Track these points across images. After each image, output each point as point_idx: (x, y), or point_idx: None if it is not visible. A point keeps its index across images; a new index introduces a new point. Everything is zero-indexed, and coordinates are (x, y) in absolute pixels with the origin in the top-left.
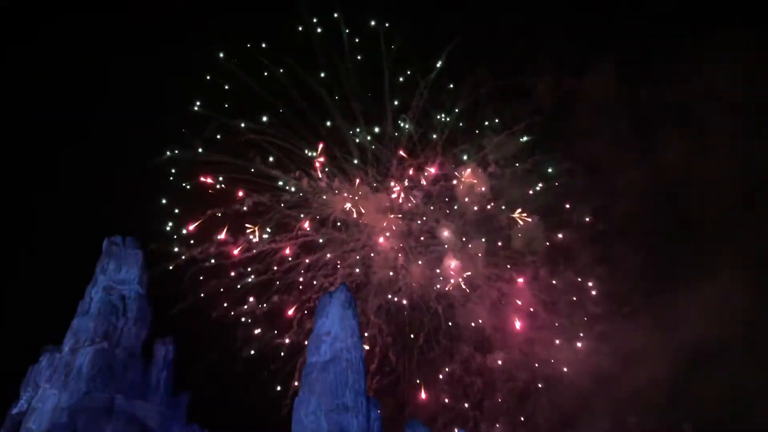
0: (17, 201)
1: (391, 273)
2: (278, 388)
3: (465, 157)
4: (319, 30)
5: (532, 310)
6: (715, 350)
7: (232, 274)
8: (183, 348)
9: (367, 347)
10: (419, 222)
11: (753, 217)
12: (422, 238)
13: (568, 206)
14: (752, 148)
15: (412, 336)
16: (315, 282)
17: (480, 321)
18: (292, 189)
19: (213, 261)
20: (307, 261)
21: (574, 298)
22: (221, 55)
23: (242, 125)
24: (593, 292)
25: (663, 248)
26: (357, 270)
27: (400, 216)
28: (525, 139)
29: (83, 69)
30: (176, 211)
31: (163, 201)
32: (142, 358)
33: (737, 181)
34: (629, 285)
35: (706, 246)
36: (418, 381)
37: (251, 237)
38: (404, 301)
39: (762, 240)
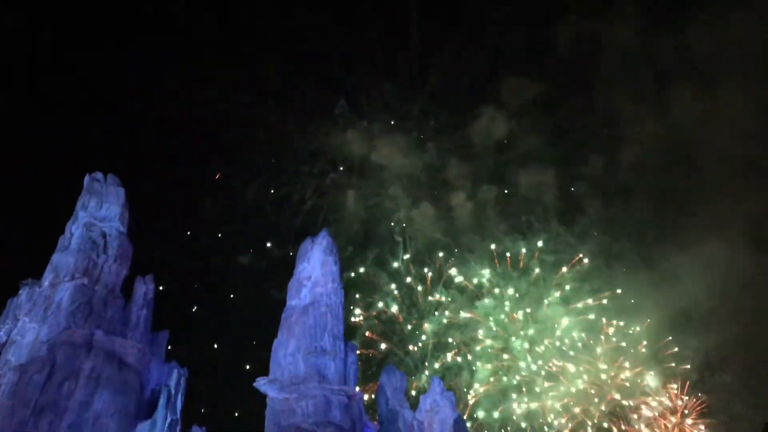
0: (3, 134)
1: (394, 225)
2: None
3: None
4: None
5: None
6: (703, 310)
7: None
8: (170, 290)
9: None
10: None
11: (759, 177)
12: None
13: (581, 157)
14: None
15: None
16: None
17: (477, 275)
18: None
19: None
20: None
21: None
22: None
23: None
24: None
25: (667, 204)
26: (365, 216)
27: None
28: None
29: None
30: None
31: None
32: (122, 296)
33: (748, 141)
34: (629, 241)
35: (708, 204)
36: (409, 327)
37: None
38: (409, 248)
39: (764, 200)
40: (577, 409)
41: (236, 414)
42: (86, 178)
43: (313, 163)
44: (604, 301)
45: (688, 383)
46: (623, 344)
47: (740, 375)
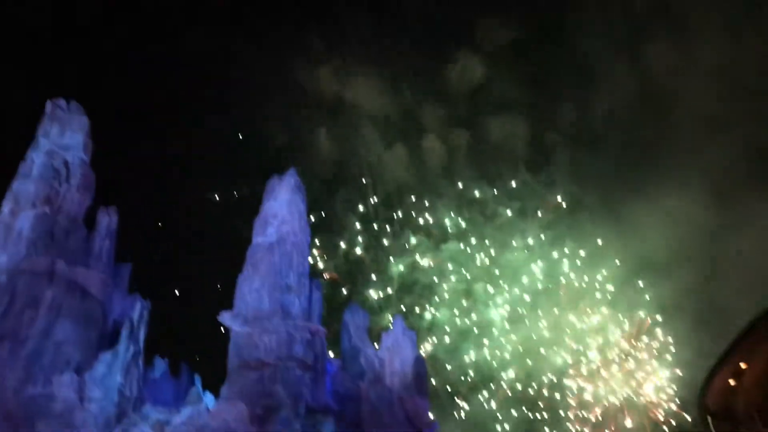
0: None
1: (364, 166)
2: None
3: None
4: None
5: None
6: (661, 260)
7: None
8: (134, 222)
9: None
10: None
11: (724, 132)
12: None
13: (554, 106)
14: (740, 63)
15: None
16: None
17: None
18: None
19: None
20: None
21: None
22: None
23: None
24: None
25: (635, 156)
26: (335, 156)
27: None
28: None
29: None
30: None
31: None
32: (84, 227)
33: (718, 96)
34: (596, 192)
35: (674, 157)
36: (373, 277)
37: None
38: (378, 190)
39: (730, 156)
40: (529, 361)
41: (199, 347)
42: (48, 105)
43: (285, 99)
44: (579, 253)
45: (646, 325)
46: (591, 292)
47: (690, 323)
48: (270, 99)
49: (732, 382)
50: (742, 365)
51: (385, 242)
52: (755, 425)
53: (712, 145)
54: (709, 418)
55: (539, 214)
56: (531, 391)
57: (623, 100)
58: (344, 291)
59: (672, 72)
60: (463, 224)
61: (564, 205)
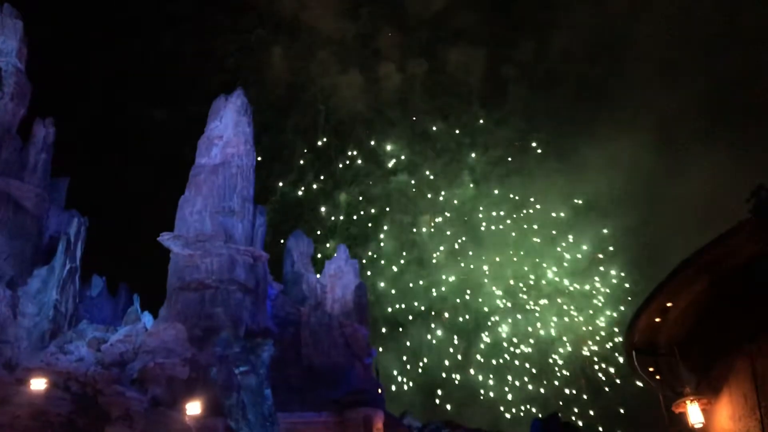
0: None
1: (318, 92)
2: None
3: None
4: None
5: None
6: (602, 202)
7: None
8: (72, 135)
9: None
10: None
11: (675, 77)
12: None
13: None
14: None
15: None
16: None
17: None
18: None
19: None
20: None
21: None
22: None
23: None
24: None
25: (587, 96)
26: (289, 80)
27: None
28: None
29: None
30: None
31: None
32: (19, 138)
33: (672, 40)
34: (545, 130)
35: (624, 99)
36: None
37: None
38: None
39: (678, 103)
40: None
41: (138, 267)
42: None
43: (240, 16)
44: (526, 191)
45: (595, 258)
46: (535, 231)
47: (626, 263)
48: (222, 14)
49: (657, 319)
50: (668, 304)
51: (335, 171)
52: (674, 357)
53: (662, 90)
54: (634, 353)
55: (507, 156)
56: (468, 325)
57: (581, 39)
58: (290, 218)
59: (631, 15)
60: (414, 157)
61: (534, 144)
